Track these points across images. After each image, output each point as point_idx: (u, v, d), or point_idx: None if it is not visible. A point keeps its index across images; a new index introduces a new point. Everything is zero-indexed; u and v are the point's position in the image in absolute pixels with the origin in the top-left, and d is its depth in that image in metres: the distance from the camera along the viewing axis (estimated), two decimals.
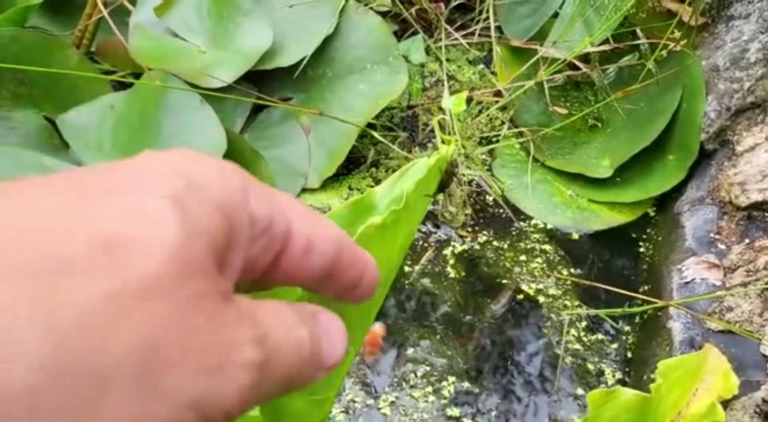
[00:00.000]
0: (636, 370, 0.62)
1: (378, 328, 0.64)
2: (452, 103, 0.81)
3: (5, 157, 0.70)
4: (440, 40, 0.99)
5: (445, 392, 0.61)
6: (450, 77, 0.98)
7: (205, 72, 0.77)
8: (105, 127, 0.75)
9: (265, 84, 0.83)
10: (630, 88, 0.78)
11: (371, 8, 0.86)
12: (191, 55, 0.81)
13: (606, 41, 0.84)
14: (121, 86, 0.84)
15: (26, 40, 0.80)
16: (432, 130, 0.87)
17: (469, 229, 0.76)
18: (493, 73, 0.96)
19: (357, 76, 0.83)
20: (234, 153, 0.67)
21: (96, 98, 0.78)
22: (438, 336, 0.66)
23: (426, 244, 0.74)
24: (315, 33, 0.83)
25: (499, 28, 0.97)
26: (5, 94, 0.80)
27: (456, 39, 0.99)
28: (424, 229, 0.76)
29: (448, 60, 0.99)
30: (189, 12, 0.84)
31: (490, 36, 0.97)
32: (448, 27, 0.94)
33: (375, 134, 0.81)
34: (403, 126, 0.88)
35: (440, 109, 0.91)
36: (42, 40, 0.80)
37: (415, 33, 0.96)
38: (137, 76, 0.86)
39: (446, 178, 0.29)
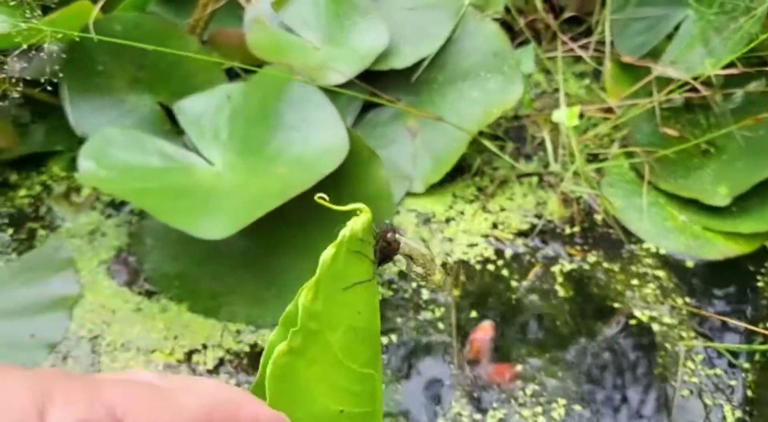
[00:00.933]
0: (760, 411, 0.59)
1: (488, 326, 0.62)
2: (566, 117, 0.79)
3: (128, 138, 0.71)
4: (548, 51, 0.97)
5: (555, 414, 0.59)
6: (555, 90, 0.96)
7: (321, 69, 0.77)
8: (221, 116, 0.75)
9: (375, 85, 0.83)
10: (762, 115, 0.74)
11: (488, 16, 0.85)
12: (306, 51, 0.82)
13: (732, 64, 0.81)
14: (233, 77, 0.85)
15: (148, 26, 0.81)
16: (540, 143, 0.86)
17: (578, 248, 0.74)
18: (602, 88, 0.93)
19: (470, 83, 0.82)
20: (350, 152, 0.66)
21: (211, 87, 0.79)
22: (547, 355, 0.64)
23: (533, 260, 0.73)
24: (432, 37, 0.83)
25: (610, 43, 0.94)
26: (124, 77, 0.81)
27: (565, 52, 0.96)
28: (531, 245, 0.74)
29: (555, 73, 0.97)
30: (305, 8, 0.84)
31: (599, 50, 0.94)
32: (565, 38, 0.92)
33: (487, 143, 0.80)
34: (509, 136, 0.86)
35: (547, 121, 0.89)
36: (163, 26, 0.81)
37: (523, 43, 0.94)
38: (254, 69, 0.86)
39: (384, 250, 0.27)
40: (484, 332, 0.64)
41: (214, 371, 0.63)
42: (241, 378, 0.63)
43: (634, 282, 0.70)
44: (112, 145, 0.70)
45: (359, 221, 0.26)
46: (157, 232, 0.75)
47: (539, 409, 0.60)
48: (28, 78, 0.70)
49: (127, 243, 0.74)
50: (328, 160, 0.65)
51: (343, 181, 0.68)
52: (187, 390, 0.20)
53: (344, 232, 0.26)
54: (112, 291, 0.69)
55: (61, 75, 0.71)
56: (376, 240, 0.27)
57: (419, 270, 0.29)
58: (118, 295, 0.69)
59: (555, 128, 0.86)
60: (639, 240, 0.74)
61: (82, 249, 0.73)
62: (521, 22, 0.93)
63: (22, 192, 0.80)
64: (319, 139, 0.67)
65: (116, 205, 0.79)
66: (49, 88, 0.65)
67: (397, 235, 0.28)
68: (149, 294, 0.69)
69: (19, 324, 0.66)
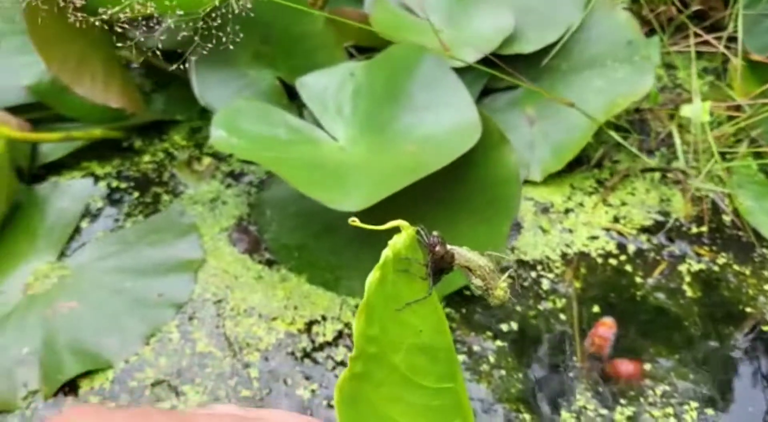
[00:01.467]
0: None
1: (610, 323, 0.60)
2: (698, 112, 0.76)
3: (256, 110, 0.72)
4: (670, 44, 0.93)
5: (687, 416, 0.57)
6: (677, 85, 0.92)
7: (446, 50, 0.76)
8: (344, 93, 0.75)
9: (496, 70, 0.82)
10: None
11: (619, 4, 0.82)
12: (429, 32, 0.81)
13: None
14: (350, 56, 0.85)
15: (278, 1, 0.82)
16: (663, 138, 0.82)
17: (706, 248, 0.71)
18: (728, 85, 0.89)
19: (596, 72, 0.80)
20: (482, 133, 0.65)
21: (332, 64, 0.79)
22: (677, 357, 0.61)
23: (658, 257, 0.70)
24: (558, 23, 0.81)
25: (735, 39, 0.90)
26: (249, 51, 0.83)
27: (688, 46, 0.93)
28: (655, 241, 0.72)
29: (676, 67, 0.93)
30: None
31: (726, 47, 0.90)
32: (697, 30, 0.89)
33: (612, 134, 0.77)
34: (629, 129, 0.83)
35: (671, 116, 0.86)
36: (291, 3, 0.82)
37: (647, 34, 0.91)
38: (367, 49, 0.86)
39: (437, 264, 0.25)
40: (607, 328, 0.62)
41: (333, 343, 0.63)
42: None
43: (767, 287, 0.66)
44: (241, 116, 0.71)
45: (401, 240, 0.25)
46: (276, 204, 0.76)
47: (670, 410, 0.57)
48: (156, 48, 0.72)
49: (247, 213, 0.75)
50: (460, 140, 0.64)
51: (470, 164, 0.67)
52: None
53: (386, 254, 0.24)
54: (234, 258, 0.71)
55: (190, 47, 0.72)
56: (426, 255, 0.25)
57: (478, 282, 0.27)
58: (240, 262, 0.70)
59: (679, 123, 0.83)
60: None
61: (203, 216, 0.75)
62: (648, 12, 0.90)
63: (147, 157, 0.83)
64: (450, 119, 0.66)
65: (235, 176, 0.80)
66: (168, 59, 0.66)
67: (449, 246, 0.26)
68: (269, 264, 0.70)
69: (147, 282, 0.68)
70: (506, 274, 0.28)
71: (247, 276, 0.69)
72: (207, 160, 0.82)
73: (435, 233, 0.26)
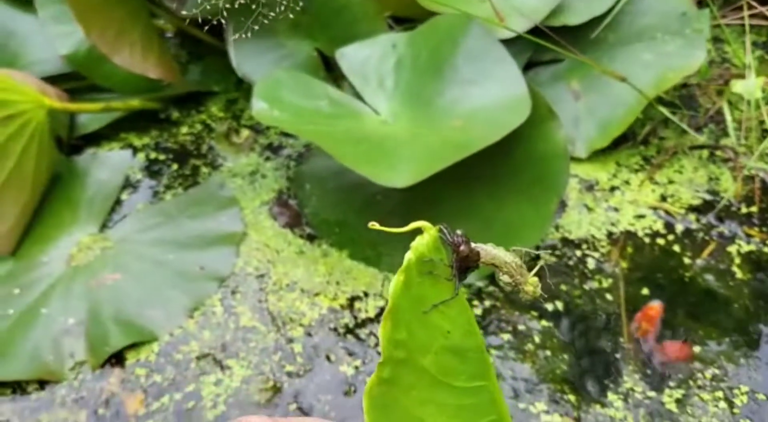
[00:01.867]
0: None
1: (657, 307, 0.59)
2: (751, 88, 0.73)
3: (297, 82, 0.71)
4: (720, 17, 0.90)
5: (737, 401, 0.56)
6: (724, 60, 0.89)
7: (501, 20, 0.74)
8: (386, 65, 0.74)
9: (544, 40, 0.79)
10: None
11: None
12: (472, 3, 0.79)
13: None
14: (389, 28, 0.83)
15: None
16: (712, 115, 0.80)
17: (756, 229, 0.69)
18: None
19: (644, 45, 0.77)
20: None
21: (372, 36, 0.77)
22: (727, 340, 0.60)
23: (707, 237, 0.68)
24: None
25: None
26: (287, 21, 0.81)
27: (736, 19, 0.89)
28: (704, 221, 0.70)
29: (724, 41, 0.90)
30: None
31: None
32: (752, 2, 0.85)
33: (662, 109, 0.75)
34: (677, 105, 0.81)
35: (719, 91, 0.83)
36: None
37: (697, 5, 0.88)
38: (406, 20, 0.84)
39: (462, 262, 0.24)
40: (653, 313, 0.61)
41: (376, 319, 0.63)
42: None
43: None
44: (282, 87, 0.70)
45: (423, 241, 0.24)
46: (315, 178, 0.75)
47: (720, 394, 0.57)
48: (189, 17, 0.71)
49: (287, 186, 0.75)
50: (509, 116, 0.62)
51: (516, 139, 0.65)
52: None
53: (409, 257, 0.24)
54: (275, 232, 0.70)
55: (226, 15, 0.71)
56: (451, 255, 0.25)
57: (506, 279, 0.26)
58: (281, 236, 0.70)
59: (729, 99, 0.81)
60: None
61: (243, 189, 0.74)
62: None
63: (184, 129, 0.82)
64: (498, 93, 0.65)
65: (274, 148, 0.79)
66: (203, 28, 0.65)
67: (473, 244, 0.25)
68: (311, 238, 0.70)
69: (188, 255, 0.68)
70: (536, 269, 0.27)
71: (289, 251, 0.68)
72: (245, 133, 0.81)
73: (459, 232, 0.25)
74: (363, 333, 0.62)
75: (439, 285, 0.25)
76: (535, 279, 0.27)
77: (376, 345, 0.62)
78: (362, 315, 0.64)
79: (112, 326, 0.63)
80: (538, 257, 0.29)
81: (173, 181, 0.76)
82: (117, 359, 0.62)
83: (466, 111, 0.66)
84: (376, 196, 0.72)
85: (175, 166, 0.78)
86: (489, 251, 0.26)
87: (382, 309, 0.64)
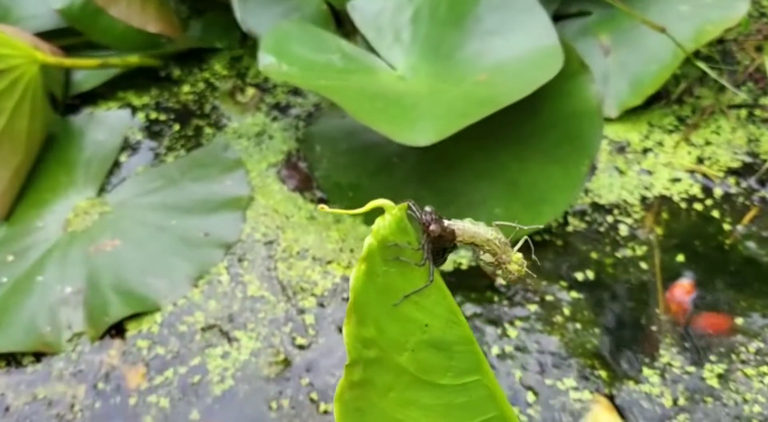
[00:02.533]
0: None
1: (688, 285, 0.55)
2: None
3: (307, 35, 0.66)
4: None
5: None
6: (762, 14, 0.83)
7: None
8: (402, 17, 0.68)
9: None
10: None
11: None
12: None
13: None
14: None
15: None
16: (750, 72, 0.74)
17: None
18: None
19: None
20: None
21: None
22: None
23: (748, 202, 0.64)
24: None
25: None
26: None
27: None
28: (744, 185, 0.65)
29: None
30: None
31: None
32: None
33: (701, 64, 0.70)
34: (715, 61, 0.75)
35: (758, 48, 0.77)
36: None
37: None
38: None
39: (436, 243, 0.22)
40: (683, 292, 0.57)
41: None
42: None
43: None
44: (291, 40, 0.65)
45: (385, 224, 0.21)
46: (326, 139, 0.70)
47: (766, 369, 0.52)
48: None
49: (296, 148, 0.70)
50: (539, 69, 0.57)
51: (544, 95, 0.60)
52: None
53: (369, 242, 0.21)
54: (284, 196, 0.66)
55: None
56: (422, 236, 0.22)
57: (488, 258, 0.24)
58: (290, 201, 0.65)
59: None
60: None
61: (249, 151, 0.70)
62: None
63: (186, 87, 0.77)
64: (526, 44, 0.60)
65: (281, 108, 0.74)
66: None
67: (447, 222, 0.22)
68: (322, 202, 0.65)
69: (192, 221, 0.64)
70: (519, 244, 0.25)
71: (299, 216, 0.64)
72: (251, 91, 0.76)
73: (428, 208, 0.23)
74: None
75: (409, 273, 0.22)
76: (519, 255, 0.24)
77: None
78: None
79: (112, 295, 0.59)
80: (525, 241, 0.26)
81: (175, 142, 0.72)
82: (117, 330, 0.58)
83: (490, 64, 0.61)
84: (391, 158, 0.67)
85: (176, 127, 0.73)
86: (467, 228, 0.23)
87: None
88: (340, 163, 0.68)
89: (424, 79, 0.64)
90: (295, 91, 0.75)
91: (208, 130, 0.72)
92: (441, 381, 0.24)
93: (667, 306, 0.57)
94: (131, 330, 0.58)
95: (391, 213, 0.21)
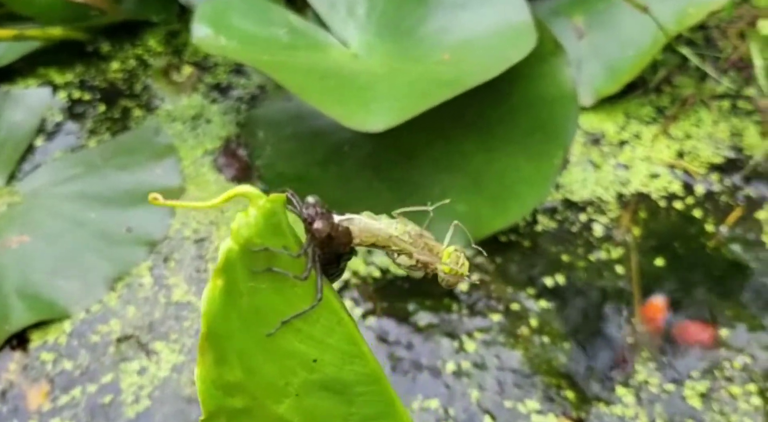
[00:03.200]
0: None
1: (659, 305, 0.49)
2: None
3: (250, 5, 0.58)
4: None
5: None
6: (744, 0, 0.78)
7: None
8: None
9: None
10: None
11: None
12: None
13: None
14: None
15: None
16: (735, 61, 0.69)
17: None
18: None
19: None
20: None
21: None
22: (758, 322, 0.51)
23: (732, 201, 0.58)
24: None
25: None
26: None
27: None
28: (728, 183, 0.60)
29: None
30: None
31: None
32: None
33: (683, 50, 0.64)
34: (696, 45, 0.70)
35: (741, 35, 0.72)
36: None
37: None
38: None
39: (326, 246, 0.16)
40: (655, 312, 0.51)
41: (339, 293, 0.52)
42: (367, 307, 0.52)
43: None
44: (231, 11, 0.57)
45: (249, 220, 0.16)
46: (270, 124, 0.63)
47: (753, 387, 0.47)
48: None
49: (236, 133, 0.62)
50: (509, 47, 0.51)
51: (513, 78, 0.54)
52: None
53: (227, 248, 0.16)
54: (220, 187, 0.58)
55: None
56: (306, 237, 0.17)
57: (405, 261, 0.18)
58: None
59: (754, 43, 0.70)
60: None
61: (183, 136, 0.62)
62: None
63: (115, 64, 0.69)
64: (495, 20, 0.53)
65: (221, 89, 0.67)
66: None
67: (339, 217, 0.17)
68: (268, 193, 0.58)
69: (113, 214, 0.56)
70: (449, 234, 0.19)
71: (236, 210, 0.56)
72: (188, 70, 0.68)
73: (311, 199, 0.17)
74: None
75: (289, 290, 0.16)
76: (451, 250, 0.18)
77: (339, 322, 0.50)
78: None
79: (15, 300, 0.51)
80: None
81: (99, 125, 0.63)
82: (19, 340, 0.50)
83: (455, 42, 0.54)
84: (342, 146, 0.60)
85: (102, 108, 0.65)
86: (367, 225, 0.18)
87: (346, 283, 0.53)
88: (285, 151, 0.60)
89: (381, 57, 0.57)
90: (238, 71, 0.68)
91: (137, 112, 0.64)
92: None
93: (643, 319, 0.51)
94: (35, 340, 0.50)
95: (258, 205, 0.15)
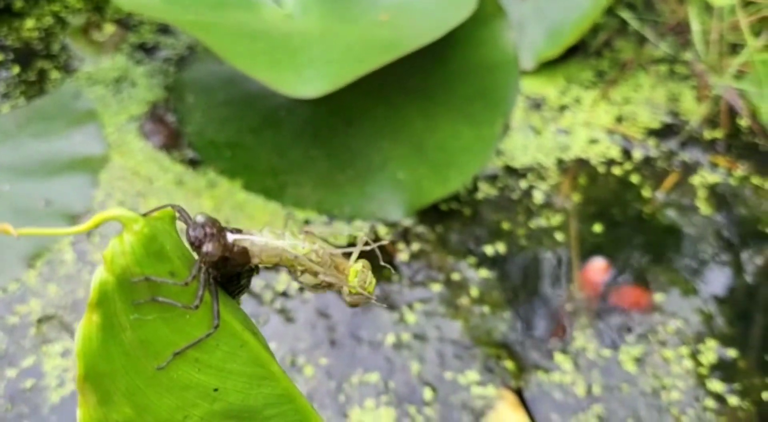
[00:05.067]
0: None
1: (601, 267, 0.49)
2: None
3: None
4: None
5: (703, 359, 0.48)
6: None
7: None
8: None
9: None
10: None
11: None
12: None
13: None
14: None
15: None
16: (674, 26, 0.69)
17: (721, 157, 0.60)
18: None
19: None
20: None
21: None
22: (691, 286, 0.52)
23: (668, 166, 0.59)
24: None
25: None
26: None
27: None
28: (664, 148, 0.60)
29: None
30: None
31: None
32: None
33: (624, 14, 0.64)
34: (633, 12, 0.70)
35: (680, 0, 0.72)
36: None
37: None
38: None
39: (220, 265, 0.16)
40: (596, 272, 0.52)
41: (273, 269, 0.50)
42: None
43: None
44: None
45: (124, 247, 0.14)
46: (200, 87, 0.60)
47: (685, 350, 0.48)
48: None
49: (164, 97, 0.59)
50: (450, 9, 0.49)
51: (453, 42, 0.52)
52: None
53: (99, 279, 0.14)
54: (146, 155, 0.55)
55: None
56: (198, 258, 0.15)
57: (309, 280, 0.17)
58: (154, 161, 0.55)
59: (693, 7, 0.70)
60: None
61: (106, 100, 0.58)
62: None
63: (30, 22, 0.64)
64: None
65: (147, 49, 0.62)
66: None
67: (233, 236, 0.16)
68: (193, 164, 0.55)
69: (29, 186, 0.52)
70: (357, 249, 0.18)
71: (165, 180, 0.54)
72: (110, 28, 0.63)
73: (200, 218, 0.15)
74: (257, 286, 0.49)
75: (180, 317, 0.15)
76: (359, 268, 0.17)
77: (273, 301, 0.49)
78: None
79: None
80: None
81: (13, 88, 0.59)
82: None
83: (393, 2, 0.52)
84: (278, 111, 0.57)
85: (15, 69, 0.60)
86: (267, 243, 0.16)
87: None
88: (217, 117, 0.57)
89: (316, 17, 0.54)
90: (165, 30, 0.63)
91: (54, 75, 0.60)
92: None
93: (583, 283, 0.52)
94: None
95: (134, 231, 0.13)
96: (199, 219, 0.15)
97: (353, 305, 0.17)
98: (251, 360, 0.16)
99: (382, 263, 0.19)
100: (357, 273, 0.17)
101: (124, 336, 0.14)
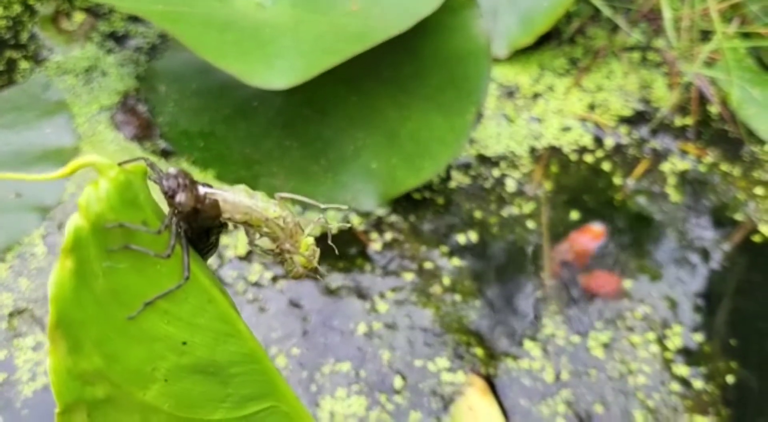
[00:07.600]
0: None
1: (597, 231, 0.50)
2: None
3: None
4: None
5: (670, 343, 0.49)
6: None
7: None
8: None
9: None
10: None
11: None
12: None
13: None
14: None
15: None
16: (646, 13, 0.70)
17: (691, 144, 0.61)
18: None
19: None
20: None
21: None
22: (660, 272, 0.53)
23: (639, 154, 0.60)
24: None
25: None
26: None
27: None
28: (636, 135, 0.61)
29: None
30: None
31: None
32: None
33: (596, 2, 0.64)
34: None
35: None
36: None
37: None
38: None
39: (191, 220, 0.16)
40: (591, 237, 0.52)
41: (246, 259, 0.50)
42: (277, 270, 0.50)
43: (758, 191, 0.58)
44: None
45: (100, 193, 0.14)
46: (172, 77, 0.59)
47: (651, 336, 0.49)
48: None
49: (135, 87, 0.58)
50: None
51: (425, 31, 0.52)
52: None
53: (74, 225, 0.14)
54: (118, 146, 0.55)
55: None
56: (168, 211, 0.16)
57: (264, 243, 0.18)
58: (126, 152, 0.54)
59: None
60: (762, 142, 0.61)
61: (76, 91, 0.57)
62: None
63: None
64: None
65: (118, 38, 0.62)
66: None
67: (205, 189, 0.16)
68: (165, 155, 0.55)
69: None
70: (310, 226, 0.18)
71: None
72: (79, 17, 0.62)
73: (172, 170, 0.16)
74: (230, 276, 0.50)
75: (151, 268, 0.15)
76: (310, 242, 0.18)
77: (245, 291, 0.49)
78: (230, 254, 0.51)
79: None
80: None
81: None
82: None
83: None
84: (251, 101, 0.57)
85: None
86: (237, 201, 0.17)
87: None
88: (190, 107, 0.57)
89: (287, 7, 0.53)
90: (136, 18, 0.63)
91: (23, 65, 0.59)
92: (213, 417, 0.17)
93: (570, 248, 0.52)
94: None
95: (109, 177, 0.14)
96: (172, 170, 0.15)
97: (296, 277, 0.18)
98: (218, 316, 0.16)
99: (330, 243, 0.20)
100: (309, 246, 0.17)
101: (96, 284, 0.14)
